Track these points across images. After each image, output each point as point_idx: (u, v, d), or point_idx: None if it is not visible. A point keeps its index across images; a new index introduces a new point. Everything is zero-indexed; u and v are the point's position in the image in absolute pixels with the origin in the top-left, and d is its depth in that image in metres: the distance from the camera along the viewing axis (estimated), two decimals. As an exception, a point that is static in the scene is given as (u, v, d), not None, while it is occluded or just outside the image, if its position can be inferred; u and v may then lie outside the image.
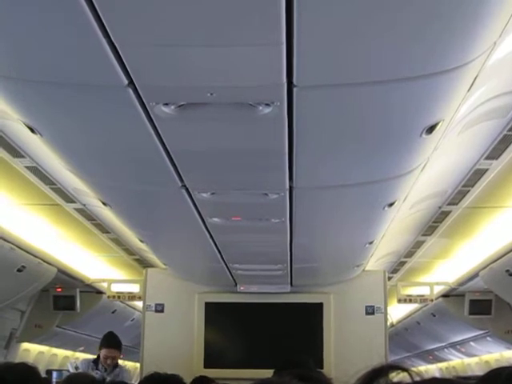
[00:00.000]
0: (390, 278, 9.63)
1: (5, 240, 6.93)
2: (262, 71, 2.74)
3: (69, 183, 5.89)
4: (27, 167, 5.65)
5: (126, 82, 2.82)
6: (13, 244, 7.10)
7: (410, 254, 8.93)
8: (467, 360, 13.31)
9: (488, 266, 7.88)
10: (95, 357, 7.52)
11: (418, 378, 1.40)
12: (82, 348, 12.25)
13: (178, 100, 3.03)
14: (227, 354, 8.23)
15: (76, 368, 7.42)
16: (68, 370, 8.44)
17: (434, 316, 11.15)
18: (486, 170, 5.62)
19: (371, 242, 6.23)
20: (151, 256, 8.13)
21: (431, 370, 15.94)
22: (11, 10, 2.36)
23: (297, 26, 2.38)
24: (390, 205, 4.89)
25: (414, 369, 1.42)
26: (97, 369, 7.25)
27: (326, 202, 4.76)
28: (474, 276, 8.56)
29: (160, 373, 3.02)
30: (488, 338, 10.73)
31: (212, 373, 6.96)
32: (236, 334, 8.28)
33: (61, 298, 9.85)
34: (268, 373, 3.80)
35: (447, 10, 2.37)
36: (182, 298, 8.23)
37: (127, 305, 11.19)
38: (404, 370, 1.41)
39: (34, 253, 7.62)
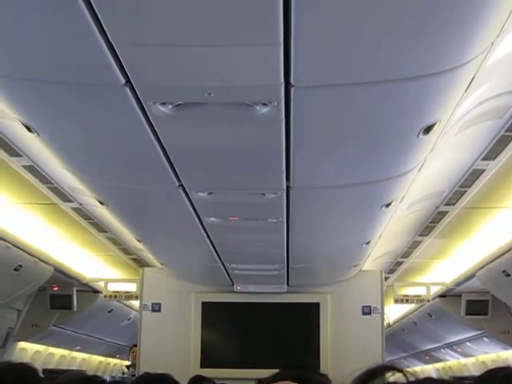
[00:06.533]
0: (386, 278, 9.63)
1: (1, 239, 6.93)
2: (260, 71, 2.74)
3: (66, 182, 5.89)
4: (24, 166, 5.64)
5: (123, 81, 2.81)
6: (9, 243, 7.09)
7: (406, 254, 8.93)
8: (464, 360, 13.30)
9: (485, 266, 7.88)
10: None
11: (412, 379, 1.40)
12: (78, 347, 12.25)
13: (176, 99, 3.02)
14: (224, 353, 8.23)
15: (133, 375, 7.58)
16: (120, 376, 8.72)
17: (431, 316, 11.15)
18: (483, 170, 5.62)
19: (368, 242, 6.22)
20: (148, 255, 8.13)
21: (428, 370, 15.93)
22: (9, 9, 2.36)
23: (294, 26, 2.38)
24: (387, 205, 4.89)
25: (408, 369, 1.42)
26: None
27: (323, 201, 4.75)
28: (470, 276, 8.56)
29: (150, 373, 3.01)
30: (484, 339, 10.72)
31: (208, 372, 6.97)
32: (233, 333, 8.27)
33: (57, 297, 9.84)
34: (264, 372, 3.79)
35: (445, 11, 2.37)
36: (178, 298, 8.22)
37: (124, 304, 11.18)
38: (398, 370, 1.40)
39: (30, 252, 7.62)
